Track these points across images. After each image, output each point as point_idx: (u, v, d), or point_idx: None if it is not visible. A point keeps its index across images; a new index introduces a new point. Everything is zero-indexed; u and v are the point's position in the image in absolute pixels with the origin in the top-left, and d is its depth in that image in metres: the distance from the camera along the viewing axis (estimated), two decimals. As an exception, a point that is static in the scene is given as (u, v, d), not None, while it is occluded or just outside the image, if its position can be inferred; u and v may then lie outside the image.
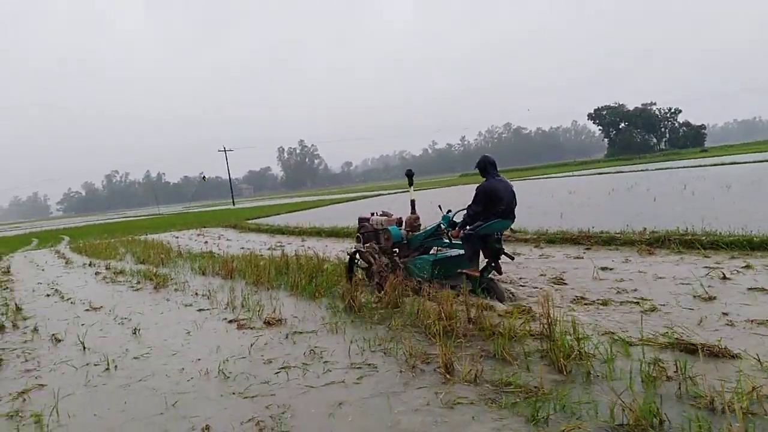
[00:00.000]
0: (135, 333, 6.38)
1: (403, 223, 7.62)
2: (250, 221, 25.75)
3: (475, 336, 4.94)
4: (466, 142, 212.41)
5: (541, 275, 7.33)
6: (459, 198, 27.15)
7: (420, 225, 7.65)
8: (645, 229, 9.46)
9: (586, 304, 5.76)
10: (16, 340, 6.64)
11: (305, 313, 6.46)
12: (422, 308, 5.53)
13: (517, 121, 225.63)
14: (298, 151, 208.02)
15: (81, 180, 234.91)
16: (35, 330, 7.03)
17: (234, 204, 70.73)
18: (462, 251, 6.65)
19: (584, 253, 8.76)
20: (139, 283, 10.28)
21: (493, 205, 6.26)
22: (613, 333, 4.68)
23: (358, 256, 7.85)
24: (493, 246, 6.51)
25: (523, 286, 6.85)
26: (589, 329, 4.77)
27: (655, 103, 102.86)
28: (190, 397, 4.12)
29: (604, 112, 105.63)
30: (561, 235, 10.11)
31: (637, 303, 5.59)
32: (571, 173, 48.52)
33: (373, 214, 8.14)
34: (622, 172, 38.35)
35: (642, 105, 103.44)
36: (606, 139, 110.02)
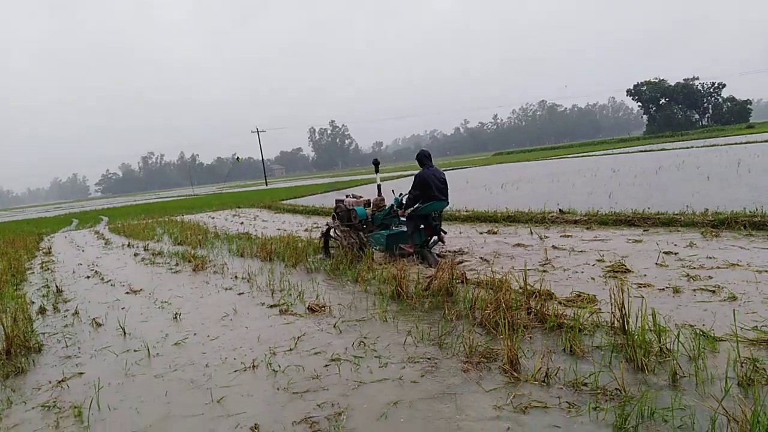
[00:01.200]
0: (175, 318, 6.19)
1: (371, 204, 9.02)
2: (284, 202, 25.63)
3: (537, 328, 4.56)
4: (498, 120, 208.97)
5: (599, 260, 6.84)
6: (493, 176, 26.60)
7: (385, 206, 9.03)
8: (707, 209, 8.83)
9: (654, 292, 5.29)
10: (57, 324, 6.52)
11: (350, 300, 6.15)
12: (477, 297, 5.15)
13: (553, 98, 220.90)
14: (329, 131, 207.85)
15: (118, 162, 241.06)
16: (76, 313, 6.92)
17: (267, 184, 71.12)
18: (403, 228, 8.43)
19: (642, 235, 8.22)
20: (177, 264, 10.16)
21: (426, 190, 7.67)
22: (692, 325, 4.23)
23: (331, 232, 9.37)
24: (432, 223, 7.99)
25: (581, 272, 6.36)
26: (664, 321, 4.32)
27: (697, 78, 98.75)
28: (235, 392, 3.85)
29: (644, 88, 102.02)
30: (614, 217, 9.55)
31: (713, 291, 5.10)
32: (611, 151, 47.02)
33: (347, 197, 9.42)
34: (666, 149, 36.89)
35: (684, 80, 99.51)
36: (645, 116, 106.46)
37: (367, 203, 9.10)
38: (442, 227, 8.27)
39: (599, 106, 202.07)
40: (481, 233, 9.98)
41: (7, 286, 9.44)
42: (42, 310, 7.27)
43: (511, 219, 11.10)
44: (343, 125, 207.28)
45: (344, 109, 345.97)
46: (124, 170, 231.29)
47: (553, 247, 7.95)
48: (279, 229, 14.71)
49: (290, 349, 4.63)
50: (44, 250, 16.01)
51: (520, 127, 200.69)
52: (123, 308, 7.02)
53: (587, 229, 9.34)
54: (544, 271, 6.49)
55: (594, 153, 47.44)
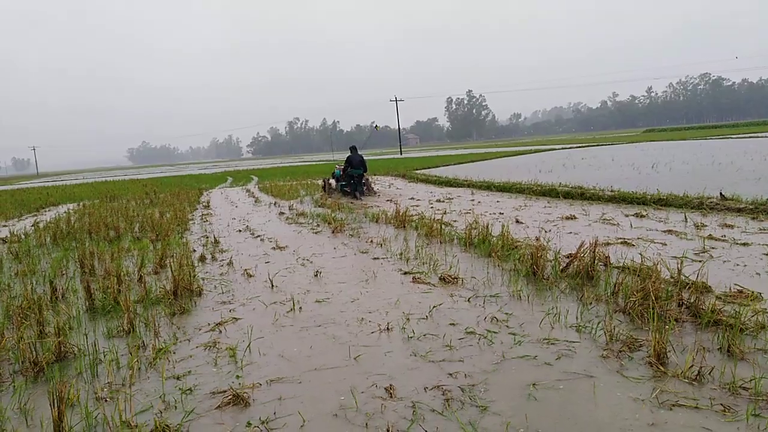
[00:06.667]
0: (316, 275, 6.58)
1: (342, 170, 16.97)
2: (417, 171, 25.89)
3: (688, 322, 4.21)
4: (653, 94, 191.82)
5: (767, 255, 6.11)
6: (643, 155, 24.55)
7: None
8: None
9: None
10: (215, 272, 7.23)
11: (483, 274, 6.10)
12: (621, 283, 4.86)
13: (718, 70, 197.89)
14: (465, 101, 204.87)
15: (267, 125, 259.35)
16: (230, 263, 7.62)
17: (401, 153, 72.19)
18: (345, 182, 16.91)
19: (824, 231, 7.18)
20: (318, 225, 10.76)
21: (350, 163, 16.19)
22: None
23: (328, 181, 18.35)
24: (356, 179, 16.20)
25: (743, 266, 5.73)
26: None
27: None
28: (372, 352, 4.03)
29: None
30: (788, 207, 8.42)
31: None
32: (787, 132, 41.23)
33: (337, 166, 18.10)
34: None
35: None
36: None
37: (342, 169, 16.93)
38: (371, 181, 17.78)
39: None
40: (626, 216, 9.34)
41: (173, 234, 10.63)
42: (202, 258, 8.08)
43: (663, 202, 10.24)
44: (480, 95, 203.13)
45: (484, 80, 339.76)
46: (273, 134, 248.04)
47: (710, 236, 7.23)
48: (412, 198, 14.94)
49: (424, 317, 4.73)
50: (204, 204, 17.75)
51: (676, 103, 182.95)
52: (267, 262, 7.59)
53: (753, 219, 8.35)
54: (700, 261, 5.93)
55: (765, 134, 41.93)
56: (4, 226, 14.83)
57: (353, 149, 16.79)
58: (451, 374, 3.56)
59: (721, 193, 9.92)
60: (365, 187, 16.71)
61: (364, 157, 16.60)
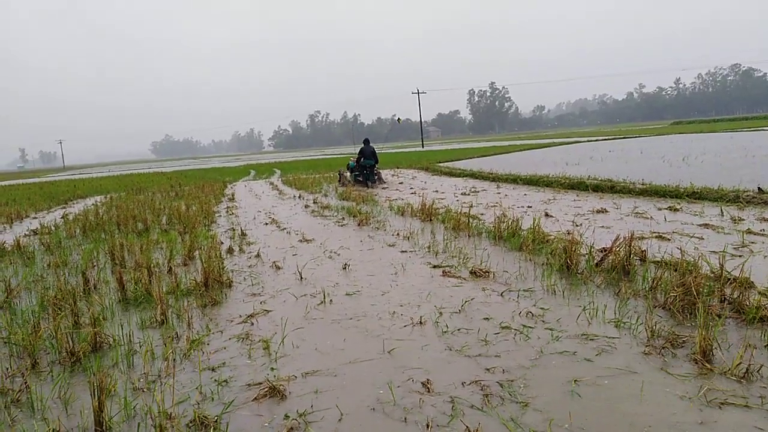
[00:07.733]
0: (345, 268, 6.55)
1: (356, 161, 18.74)
2: (440, 164, 25.72)
3: (731, 318, 4.07)
4: (681, 85, 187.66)
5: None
6: (672, 147, 24.05)
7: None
8: None
9: None
10: (243, 264, 7.25)
11: (515, 268, 6.00)
12: (660, 278, 4.73)
13: (749, 61, 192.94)
14: (488, 94, 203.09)
15: (289, 119, 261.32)
16: (258, 256, 7.63)
17: (423, 146, 71.89)
18: (358, 172, 19.00)
19: None
20: (343, 219, 10.73)
21: (362, 155, 18.30)
22: None
23: (344, 173, 20.15)
24: (368, 169, 18.31)
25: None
26: None
27: None
28: (406, 346, 3.98)
29: None
30: (830, 201, 8.14)
31: None
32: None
33: (352, 158, 20.26)
34: None
35: None
36: None
37: (356, 161, 18.70)
38: (380, 172, 19.54)
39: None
40: (659, 209, 9.13)
41: (200, 226, 10.71)
42: (230, 250, 8.11)
43: (697, 196, 9.99)
44: (503, 87, 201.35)
45: (507, 73, 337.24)
46: (294, 127, 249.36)
47: (749, 230, 7.02)
48: (436, 191, 14.84)
49: (457, 311, 4.66)
50: (228, 197, 17.88)
51: (705, 94, 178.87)
52: (294, 255, 7.57)
53: (791, 213, 8.08)
54: (740, 256, 5.76)
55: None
56: (35, 218, 15.13)
57: (366, 141, 18.82)
58: (488, 369, 3.50)
59: (759, 187, 9.63)
60: (376, 177, 18.64)
61: (382, 150, 17.62)
